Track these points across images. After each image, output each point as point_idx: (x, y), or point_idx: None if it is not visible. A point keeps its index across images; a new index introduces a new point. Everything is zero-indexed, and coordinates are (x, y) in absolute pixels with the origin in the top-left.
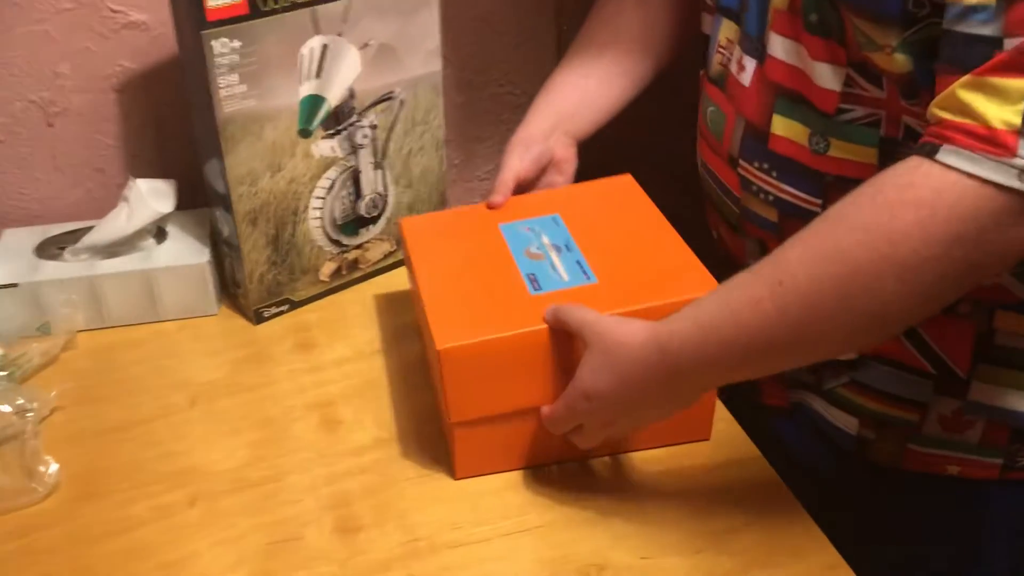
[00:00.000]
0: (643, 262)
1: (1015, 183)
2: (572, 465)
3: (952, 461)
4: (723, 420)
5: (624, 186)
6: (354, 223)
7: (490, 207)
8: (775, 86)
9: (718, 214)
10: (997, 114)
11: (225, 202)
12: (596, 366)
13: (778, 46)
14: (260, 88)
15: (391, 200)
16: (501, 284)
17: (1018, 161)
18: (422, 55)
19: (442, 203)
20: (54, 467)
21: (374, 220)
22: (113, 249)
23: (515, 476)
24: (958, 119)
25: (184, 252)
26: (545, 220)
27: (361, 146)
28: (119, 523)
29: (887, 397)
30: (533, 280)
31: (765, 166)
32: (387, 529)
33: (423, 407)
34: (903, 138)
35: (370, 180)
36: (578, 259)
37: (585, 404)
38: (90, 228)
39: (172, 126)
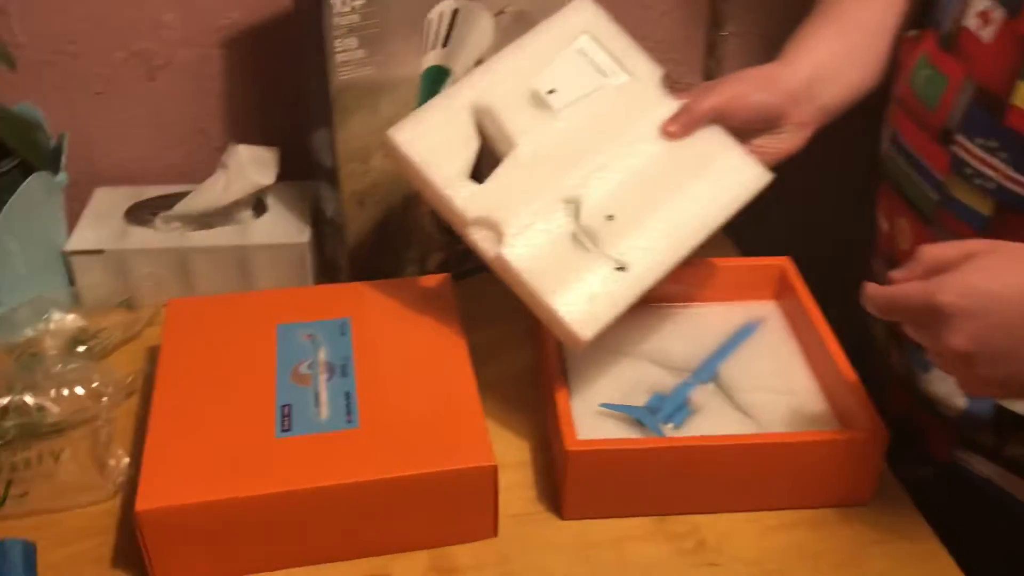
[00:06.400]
0: (420, 409)
1: None
2: (703, 519)
3: None
4: (885, 482)
5: (438, 290)
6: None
7: (664, 132)
8: None
9: (902, 200)
10: None
11: (332, 178)
12: (999, 264)
13: None
14: (380, 54)
15: None
16: (245, 418)
17: None
18: None
19: None
20: (125, 461)
21: None
22: (207, 219)
23: (637, 525)
24: None
25: (283, 229)
26: (331, 326)
27: None
28: None
29: None
30: (286, 416)
31: (993, 144)
32: (486, 574)
33: (530, 430)
34: None
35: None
36: (348, 390)
37: (959, 305)
38: (185, 194)
39: (280, 89)
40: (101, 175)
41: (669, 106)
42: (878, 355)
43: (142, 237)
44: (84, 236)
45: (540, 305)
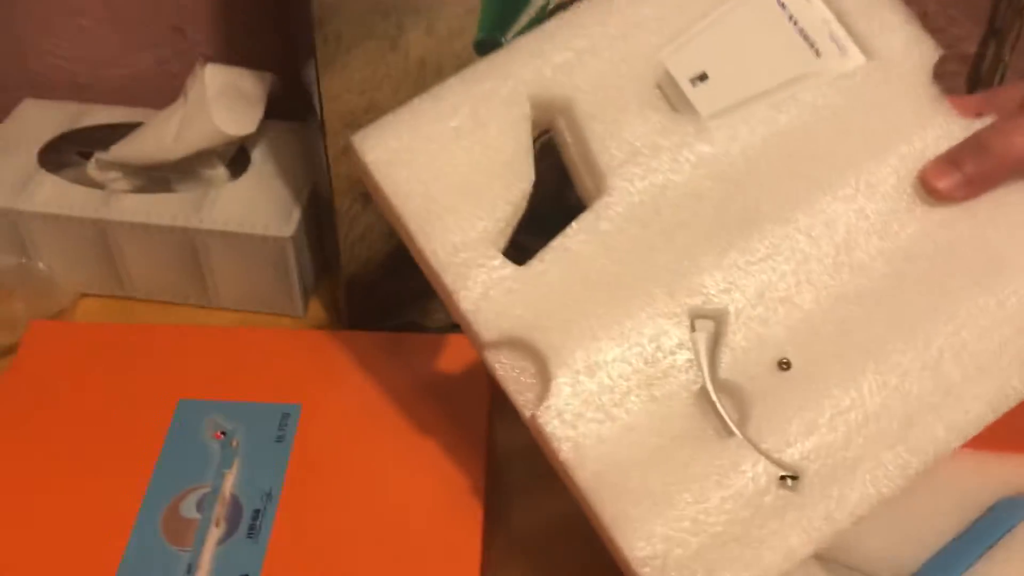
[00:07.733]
0: None
1: None
2: None
3: None
4: None
5: (471, 365)
6: (546, 216)
7: (930, 188)
8: None
9: None
10: None
11: (324, 148)
12: None
13: None
14: None
15: None
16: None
17: None
18: None
19: None
20: None
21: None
22: (159, 173)
23: None
24: None
25: (261, 205)
26: (267, 416)
27: None
28: None
29: None
30: None
31: None
32: None
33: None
34: None
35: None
36: (248, 574)
37: None
38: (138, 125)
39: None
40: (37, 79)
41: (942, 131)
42: None
43: (53, 192)
44: None
45: (610, 542)
